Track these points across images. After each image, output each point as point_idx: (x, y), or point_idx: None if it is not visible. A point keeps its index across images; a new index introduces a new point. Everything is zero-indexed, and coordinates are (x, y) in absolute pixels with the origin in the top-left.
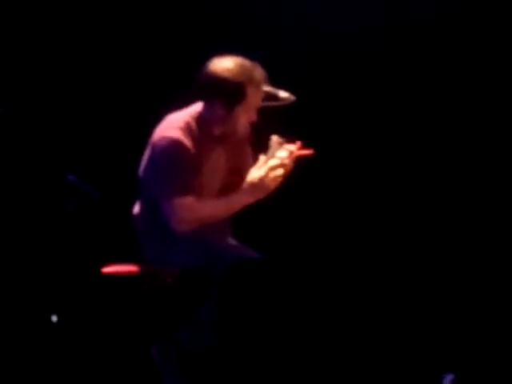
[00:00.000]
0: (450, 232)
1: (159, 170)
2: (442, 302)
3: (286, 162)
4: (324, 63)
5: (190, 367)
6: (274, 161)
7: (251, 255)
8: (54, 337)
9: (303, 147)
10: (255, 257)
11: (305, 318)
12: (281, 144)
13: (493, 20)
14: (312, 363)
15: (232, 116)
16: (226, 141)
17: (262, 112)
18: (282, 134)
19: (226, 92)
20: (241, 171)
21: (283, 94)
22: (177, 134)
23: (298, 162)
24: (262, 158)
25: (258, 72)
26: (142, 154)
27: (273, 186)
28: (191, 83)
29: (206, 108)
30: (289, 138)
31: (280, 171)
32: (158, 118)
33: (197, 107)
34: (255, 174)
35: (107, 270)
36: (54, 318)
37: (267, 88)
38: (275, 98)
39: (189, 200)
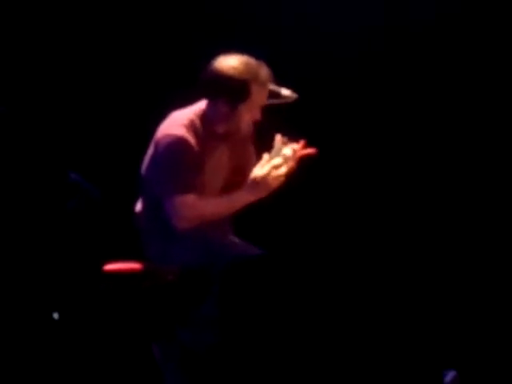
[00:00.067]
0: (451, 229)
1: (162, 167)
2: (444, 298)
3: (290, 160)
4: (324, 63)
5: (191, 365)
6: (278, 159)
7: (253, 252)
8: (56, 334)
9: (306, 146)
10: (256, 254)
11: (305, 315)
12: (284, 143)
13: (493, 20)
14: (313, 359)
15: (236, 114)
16: (229, 139)
17: (265, 111)
18: (284, 134)
19: (231, 90)
20: (243, 170)
21: (285, 91)
22: (181, 131)
23: (301, 161)
24: (265, 156)
25: (264, 70)
26: (144, 151)
27: (275, 184)
28: (191, 83)
29: (209, 106)
30: (292, 137)
31: (283, 170)
32: (157, 116)
33: (201, 105)
34: (258, 172)
35: (109, 267)
36: (56, 316)
37: (270, 86)
38: (277, 95)
39: (191, 198)
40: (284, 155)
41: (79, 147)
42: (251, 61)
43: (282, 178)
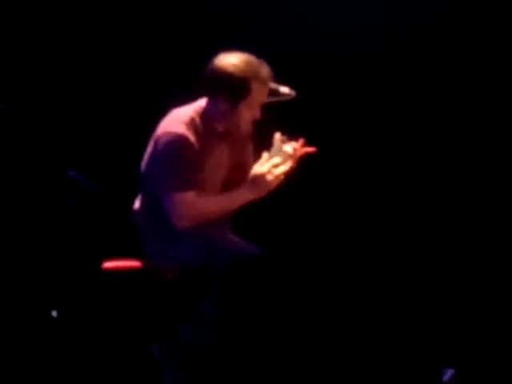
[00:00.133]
0: (450, 228)
1: (162, 164)
2: (442, 297)
3: (289, 159)
4: (324, 63)
5: (190, 365)
6: (277, 158)
7: (252, 251)
8: (54, 333)
9: (305, 145)
10: (256, 252)
11: (305, 314)
12: (284, 141)
13: (493, 20)
14: (312, 358)
15: (235, 112)
16: (229, 137)
17: (265, 110)
18: (284, 133)
19: (231, 87)
20: (243, 168)
21: (284, 89)
22: (181, 128)
23: (300, 160)
24: (265, 155)
25: (264, 69)
26: (143, 149)
27: (274, 183)
28: (191, 81)
29: (210, 103)
30: (291, 136)
31: (282, 168)
32: (157, 114)
33: (201, 103)
34: (258, 170)
35: (108, 265)
36: (54, 314)
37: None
38: (276, 93)
39: (190, 195)
40: (284, 153)
41: (79, 144)
42: (252, 59)
43: (282, 177)
